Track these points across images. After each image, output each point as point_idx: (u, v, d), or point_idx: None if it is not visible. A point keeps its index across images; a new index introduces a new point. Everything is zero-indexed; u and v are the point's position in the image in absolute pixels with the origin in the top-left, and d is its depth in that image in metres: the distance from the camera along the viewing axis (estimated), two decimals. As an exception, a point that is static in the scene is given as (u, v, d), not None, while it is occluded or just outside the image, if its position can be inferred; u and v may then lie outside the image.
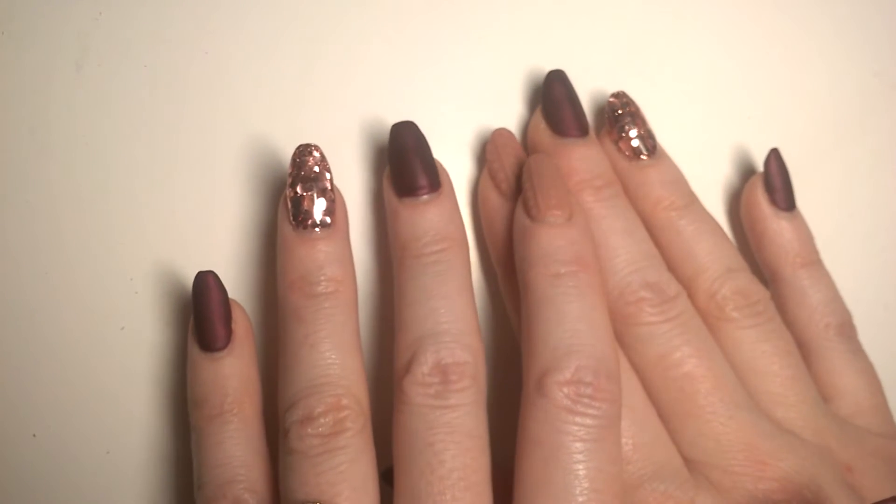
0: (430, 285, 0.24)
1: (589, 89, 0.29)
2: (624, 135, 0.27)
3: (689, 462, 0.24)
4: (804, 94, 0.29)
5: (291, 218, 0.25)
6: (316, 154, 0.25)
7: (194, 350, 0.26)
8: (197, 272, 0.25)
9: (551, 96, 0.27)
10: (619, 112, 0.27)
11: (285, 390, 0.24)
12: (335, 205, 0.25)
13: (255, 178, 0.28)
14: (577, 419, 0.22)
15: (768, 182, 0.28)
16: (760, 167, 0.29)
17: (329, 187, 0.25)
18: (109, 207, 0.28)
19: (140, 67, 0.29)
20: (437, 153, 0.26)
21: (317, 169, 0.25)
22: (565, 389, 0.22)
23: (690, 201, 0.27)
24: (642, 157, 0.27)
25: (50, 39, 0.29)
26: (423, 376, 0.23)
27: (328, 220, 0.25)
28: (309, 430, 0.23)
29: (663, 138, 0.28)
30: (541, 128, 0.27)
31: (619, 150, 0.27)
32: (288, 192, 0.25)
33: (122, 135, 0.28)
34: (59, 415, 0.28)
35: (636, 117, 0.27)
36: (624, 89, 0.28)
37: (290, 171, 0.25)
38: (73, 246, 0.28)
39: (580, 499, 0.22)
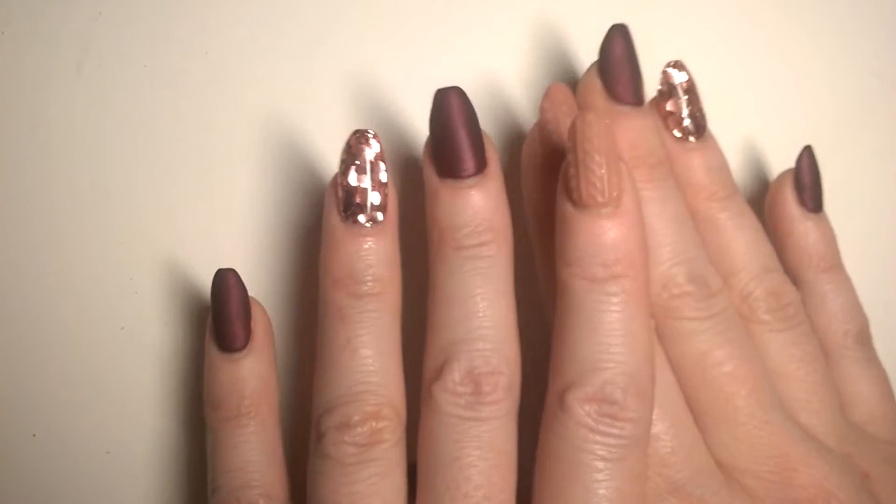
0: (470, 284, 0.23)
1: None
2: (675, 111, 0.25)
3: (717, 464, 0.23)
4: (804, 94, 0.29)
5: (342, 209, 0.23)
6: (374, 142, 0.23)
7: (212, 350, 0.25)
8: (217, 270, 0.25)
9: (611, 54, 0.24)
10: (674, 84, 0.25)
11: (323, 393, 0.23)
12: (388, 199, 0.24)
13: (255, 177, 0.28)
14: (599, 438, 0.21)
15: (798, 180, 0.27)
16: (760, 167, 0.29)
17: (385, 180, 0.24)
18: (109, 207, 0.28)
19: (140, 67, 0.29)
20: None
21: (374, 158, 0.23)
22: (587, 407, 0.21)
23: (732, 192, 0.26)
24: (690, 138, 0.25)
25: (50, 39, 0.29)
26: (454, 384, 0.22)
27: (380, 215, 0.23)
28: (346, 437, 0.22)
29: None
30: (596, 88, 0.24)
31: (667, 126, 0.25)
32: (340, 179, 0.24)
33: (122, 135, 0.28)
34: (59, 415, 0.28)
35: (691, 92, 0.25)
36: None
37: (343, 157, 0.23)
38: (73, 246, 0.28)
39: None
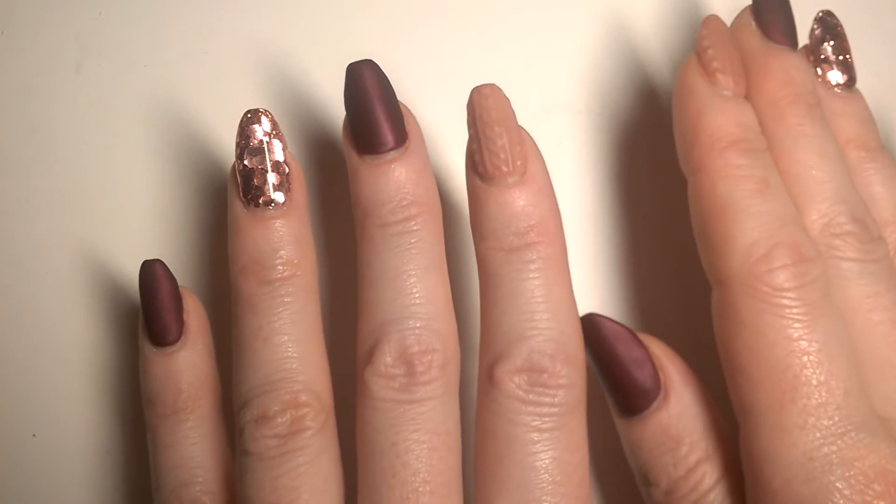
0: (396, 261, 0.22)
1: (588, 89, 0.29)
2: (829, 57, 0.25)
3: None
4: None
5: (243, 194, 0.23)
6: (265, 120, 0.23)
7: (145, 345, 0.24)
8: (143, 261, 0.24)
9: None
10: (826, 32, 0.25)
11: (239, 387, 0.23)
12: (291, 178, 0.23)
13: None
14: (532, 409, 0.21)
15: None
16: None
17: (282, 158, 0.23)
18: (109, 207, 0.28)
19: (140, 67, 0.29)
20: (438, 153, 0.26)
21: (265, 138, 0.23)
22: (517, 379, 0.21)
23: (880, 145, 0.25)
24: (839, 89, 0.25)
25: (50, 39, 0.29)
26: (386, 367, 0.21)
27: (282, 196, 0.23)
28: (265, 430, 0.22)
29: (661, 140, 0.28)
30: (750, 28, 0.24)
31: (820, 74, 0.25)
32: (236, 164, 0.23)
33: (122, 135, 0.28)
34: (59, 415, 0.28)
35: (842, 41, 0.25)
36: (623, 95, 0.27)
37: (237, 140, 0.23)
38: (73, 246, 0.28)
39: (537, 493, 0.20)
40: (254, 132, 0.23)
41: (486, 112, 0.22)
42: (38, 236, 0.28)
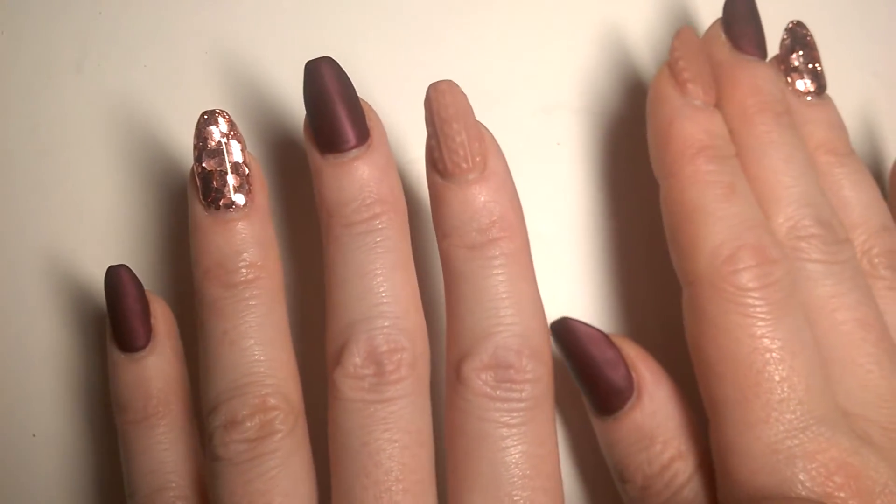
0: (363, 260, 0.22)
1: (587, 89, 0.29)
2: (799, 66, 0.26)
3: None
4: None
5: (202, 197, 0.22)
6: (222, 121, 0.22)
7: (113, 351, 0.24)
8: (108, 267, 0.24)
9: (735, 9, 0.24)
10: (796, 43, 0.26)
11: (207, 392, 0.22)
12: (251, 179, 0.22)
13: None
14: (500, 405, 0.21)
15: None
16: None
17: (241, 160, 0.22)
18: (109, 207, 0.28)
19: (140, 67, 0.29)
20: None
21: (223, 139, 0.22)
22: (483, 376, 0.21)
23: (851, 150, 0.26)
24: (810, 96, 0.26)
25: (50, 39, 0.29)
26: (355, 368, 0.21)
27: (242, 198, 0.22)
28: (234, 435, 0.21)
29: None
30: (720, 40, 0.24)
31: (789, 82, 0.26)
32: (195, 167, 0.22)
33: (122, 135, 0.28)
34: (59, 415, 0.28)
35: (812, 51, 0.26)
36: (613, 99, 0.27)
37: (194, 142, 0.22)
38: (73, 246, 0.28)
39: (508, 487, 0.21)
40: (210, 133, 0.22)
41: (443, 109, 0.22)
42: (38, 236, 0.28)
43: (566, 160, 0.28)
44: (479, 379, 0.21)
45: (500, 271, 0.21)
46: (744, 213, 0.22)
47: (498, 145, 0.22)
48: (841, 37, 0.29)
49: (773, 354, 0.21)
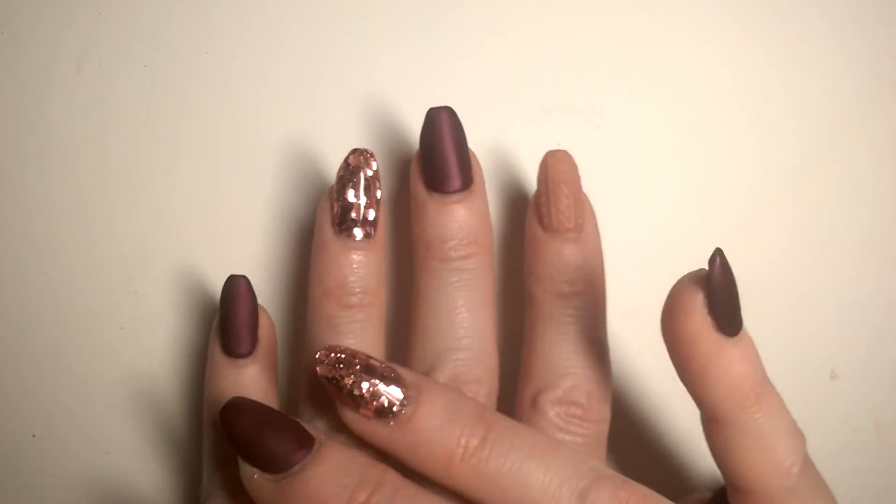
0: (454, 295, 0.24)
1: (587, 89, 0.29)
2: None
3: None
4: (803, 94, 0.29)
5: (336, 223, 0.24)
6: (373, 162, 0.24)
7: (216, 353, 0.25)
8: (229, 275, 0.25)
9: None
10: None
11: (311, 402, 0.24)
12: (379, 216, 0.25)
13: (254, 177, 0.28)
14: (567, 437, 0.23)
15: (713, 301, 0.20)
16: (758, 168, 0.29)
17: (379, 198, 0.25)
18: (109, 207, 0.28)
19: (140, 67, 0.29)
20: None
21: (372, 177, 0.24)
22: (557, 409, 0.23)
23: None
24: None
25: (50, 39, 0.29)
26: None
27: (372, 231, 0.24)
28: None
29: (661, 141, 0.28)
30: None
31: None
32: (336, 195, 0.24)
33: (122, 135, 0.28)
34: (59, 415, 0.28)
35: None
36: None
37: (341, 173, 0.24)
38: (73, 246, 0.28)
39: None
40: (361, 170, 0.24)
41: (557, 173, 0.24)
42: (38, 236, 0.28)
43: (566, 160, 0.28)
44: (552, 410, 0.23)
45: (574, 323, 0.24)
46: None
47: (594, 212, 0.25)
48: (840, 37, 0.29)
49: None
